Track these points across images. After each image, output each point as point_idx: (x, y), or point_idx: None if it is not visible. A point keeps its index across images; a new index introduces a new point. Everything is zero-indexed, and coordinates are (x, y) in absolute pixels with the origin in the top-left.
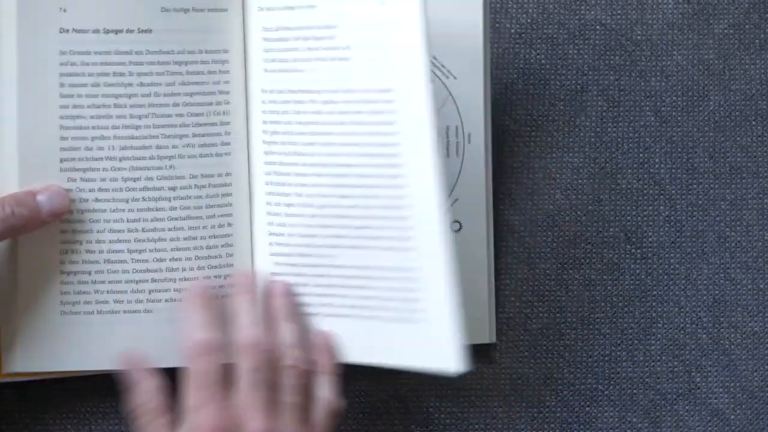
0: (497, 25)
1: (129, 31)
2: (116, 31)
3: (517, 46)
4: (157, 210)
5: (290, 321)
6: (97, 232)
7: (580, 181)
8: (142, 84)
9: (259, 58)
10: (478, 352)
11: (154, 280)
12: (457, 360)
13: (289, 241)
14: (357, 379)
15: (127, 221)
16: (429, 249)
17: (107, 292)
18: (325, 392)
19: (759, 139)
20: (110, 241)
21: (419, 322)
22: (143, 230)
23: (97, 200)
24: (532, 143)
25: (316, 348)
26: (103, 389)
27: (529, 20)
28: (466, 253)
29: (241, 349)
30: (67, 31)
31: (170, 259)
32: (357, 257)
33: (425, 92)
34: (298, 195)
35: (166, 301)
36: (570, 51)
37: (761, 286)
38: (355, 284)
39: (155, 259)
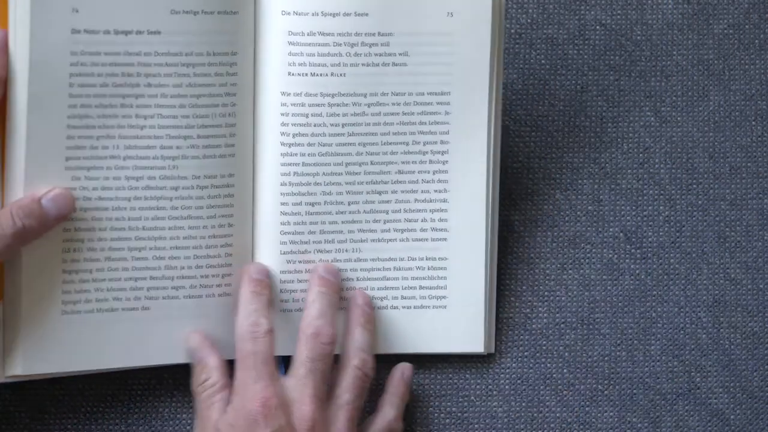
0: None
1: (138, 32)
2: (126, 32)
3: (517, 46)
4: (158, 209)
5: (365, 329)
6: (99, 230)
7: (580, 181)
8: (149, 85)
9: (280, 61)
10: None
11: (152, 278)
12: (485, 341)
13: (309, 239)
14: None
15: (129, 219)
16: (463, 238)
17: (107, 290)
18: (390, 411)
19: (759, 139)
20: (111, 239)
21: (447, 306)
22: (144, 228)
23: (100, 198)
24: (532, 143)
25: (399, 374)
26: (103, 389)
27: (529, 20)
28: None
29: (303, 337)
30: (79, 32)
31: (169, 258)
32: (383, 249)
33: (485, 96)
34: (326, 194)
35: (164, 298)
36: (570, 51)
37: (761, 286)
38: (377, 276)
39: (154, 257)
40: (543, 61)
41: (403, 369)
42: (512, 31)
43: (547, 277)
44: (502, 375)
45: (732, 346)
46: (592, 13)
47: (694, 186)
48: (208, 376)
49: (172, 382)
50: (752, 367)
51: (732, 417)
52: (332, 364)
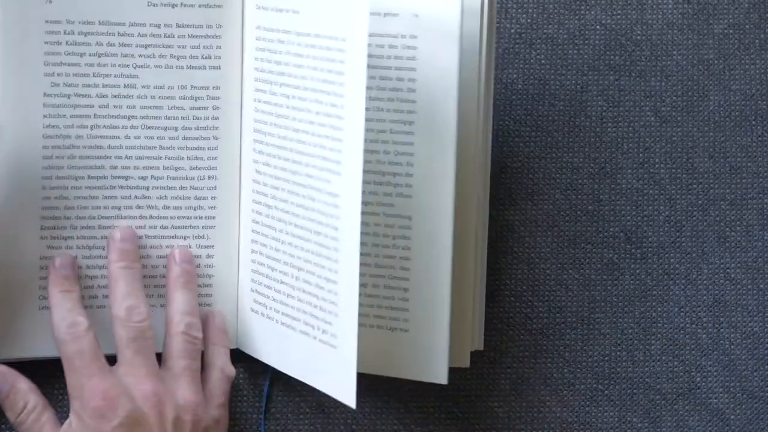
0: (497, 25)
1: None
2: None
3: (517, 46)
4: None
5: (185, 289)
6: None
7: (580, 181)
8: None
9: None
10: (477, 351)
11: None
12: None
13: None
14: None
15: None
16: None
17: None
18: (220, 361)
19: (759, 139)
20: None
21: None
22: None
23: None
24: (532, 143)
25: (209, 324)
26: None
27: (529, 20)
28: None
29: (117, 321)
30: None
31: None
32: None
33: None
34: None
35: None
36: (570, 51)
37: (761, 286)
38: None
39: None
40: (543, 61)
41: (220, 316)
42: (512, 30)
43: (547, 277)
44: (502, 375)
45: (732, 346)
46: (592, 13)
47: (694, 186)
48: (25, 400)
49: None
50: (752, 367)
51: (732, 417)
52: (154, 335)
